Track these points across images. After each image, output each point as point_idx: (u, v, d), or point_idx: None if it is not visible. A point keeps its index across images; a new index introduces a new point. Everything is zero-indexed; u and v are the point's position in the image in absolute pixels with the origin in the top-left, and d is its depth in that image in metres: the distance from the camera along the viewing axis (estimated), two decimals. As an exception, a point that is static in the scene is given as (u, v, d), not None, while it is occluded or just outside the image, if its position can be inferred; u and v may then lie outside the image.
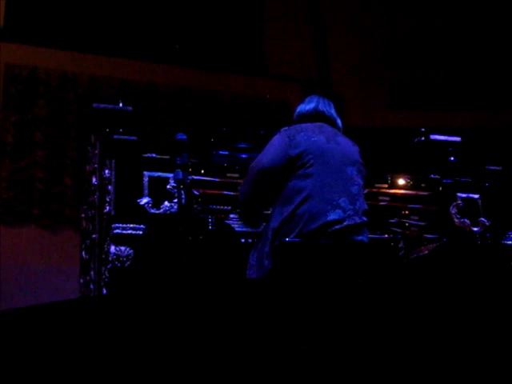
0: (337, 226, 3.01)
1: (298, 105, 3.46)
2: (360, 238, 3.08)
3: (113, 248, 3.61)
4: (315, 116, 3.33)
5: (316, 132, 3.19)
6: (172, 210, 3.74)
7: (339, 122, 3.41)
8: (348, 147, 3.25)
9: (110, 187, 3.77)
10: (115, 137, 3.83)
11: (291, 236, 3.00)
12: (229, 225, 3.78)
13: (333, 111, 3.40)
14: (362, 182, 3.21)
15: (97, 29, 6.79)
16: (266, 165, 3.17)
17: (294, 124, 3.33)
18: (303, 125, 3.26)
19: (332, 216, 3.01)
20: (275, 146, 3.19)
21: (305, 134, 3.16)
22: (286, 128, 3.25)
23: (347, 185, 3.11)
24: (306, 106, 3.38)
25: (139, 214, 3.70)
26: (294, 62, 7.48)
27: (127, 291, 3.51)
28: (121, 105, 4.00)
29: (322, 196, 3.03)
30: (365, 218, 3.14)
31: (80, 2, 6.78)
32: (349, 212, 3.05)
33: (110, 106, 3.99)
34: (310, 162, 3.08)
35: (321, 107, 3.36)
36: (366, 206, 3.19)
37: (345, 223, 3.03)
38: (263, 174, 3.19)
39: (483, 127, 7.13)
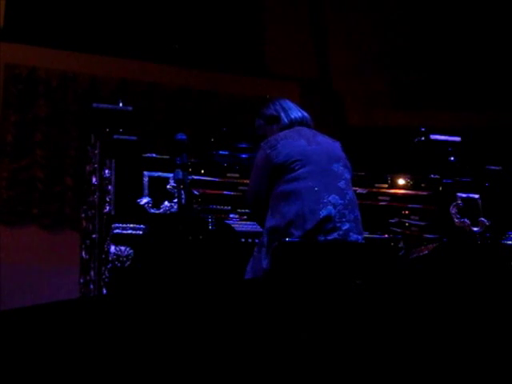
0: (330, 225, 3.03)
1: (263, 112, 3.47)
2: (355, 236, 3.10)
3: (113, 248, 3.61)
4: (289, 125, 3.37)
5: (296, 137, 3.25)
6: (172, 210, 3.74)
7: (308, 116, 3.42)
8: (329, 145, 3.30)
9: (110, 187, 3.77)
10: (115, 137, 3.84)
11: (288, 238, 3.01)
12: (229, 225, 3.78)
13: (299, 112, 3.41)
14: (348, 177, 3.25)
15: (97, 29, 6.78)
16: (255, 190, 3.27)
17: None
18: (281, 133, 3.30)
19: (324, 212, 3.04)
20: (258, 167, 3.26)
21: (285, 142, 3.21)
22: (266, 140, 3.29)
23: (335, 181, 3.15)
24: (285, 118, 3.40)
25: (139, 214, 3.71)
26: (293, 62, 7.48)
27: (127, 291, 3.51)
28: (121, 105, 4.00)
29: (312, 196, 3.07)
30: (357, 213, 3.16)
31: (80, 2, 6.77)
32: (339, 207, 3.08)
33: (110, 106, 4.00)
34: (296, 167, 3.14)
35: (294, 117, 3.39)
36: (356, 200, 3.22)
37: (337, 220, 3.05)
38: (257, 198, 3.27)
39: (483, 127, 7.12)
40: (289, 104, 3.46)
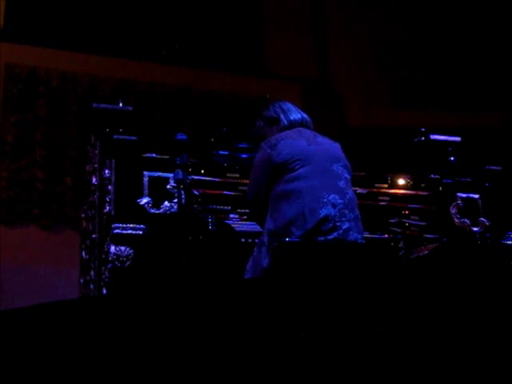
0: (330, 224, 3.03)
1: (264, 113, 3.47)
2: (355, 235, 3.10)
3: (113, 248, 3.61)
4: (289, 127, 3.38)
5: (296, 137, 3.26)
6: (172, 210, 3.74)
7: (307, 118, 3.43)
8: (329, 145, 3.31)
9: (110, 187, 3.77)
10: (115, 137, 3.84)
11: (288, 238, 3.02)
12: (229, 225, 3.78)
13: (299, 114, 3.42)
14: (348, 176, 3.27)
15: (97, 29, 6.79)
16: (255, 189, 3.27)
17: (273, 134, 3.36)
18: (282, 133, 3.32)
19: (324, 212, 3.04)
20: (258, 167, 3.26)
21: (286, 142, 3.22)
22: (266, 140, 3.30)
23: (335, 181, 3.16)
24: (284, 120, 3.40)
25: (139, 214, 3.70)
26: (293, 62, 7.48)
27: (127, 291, 3.51)
28: (121, 105, 4.00)
29: (312, 196, 3.08)
30: (357, 212, 3.17)
31: (80, 2, 6.78)
32: (339, 206, 3.09)
33: (110, 106, 4.00)
34: (296, 167, 3.15)
35: (293, 118, 3.39)
36: (356, 199, 3.23)
37: (337, 219, 3.05)
38: (257, 198, 3.27)
39: (483, 127, 7.13)
40: (288, 106, 3.47)
